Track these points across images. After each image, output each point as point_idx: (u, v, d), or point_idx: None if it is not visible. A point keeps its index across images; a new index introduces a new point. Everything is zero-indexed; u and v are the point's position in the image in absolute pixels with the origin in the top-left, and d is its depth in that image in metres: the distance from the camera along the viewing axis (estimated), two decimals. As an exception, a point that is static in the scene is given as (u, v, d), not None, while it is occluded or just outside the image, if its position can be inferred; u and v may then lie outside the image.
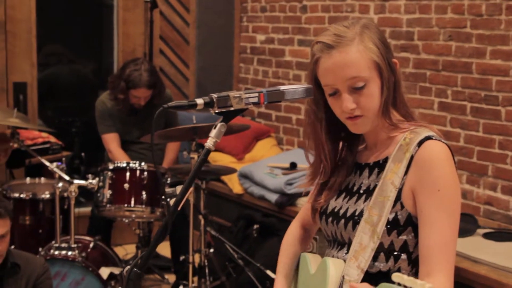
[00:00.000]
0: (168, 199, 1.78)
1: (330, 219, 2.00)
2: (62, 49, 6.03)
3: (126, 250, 5.40)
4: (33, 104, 5.47)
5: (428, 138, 1.87)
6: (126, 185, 4.10)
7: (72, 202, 3.96)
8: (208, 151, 1.77)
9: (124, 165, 4.16)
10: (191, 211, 4.13)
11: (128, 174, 4.13)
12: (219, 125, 1.78)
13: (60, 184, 3.99)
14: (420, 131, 1.90)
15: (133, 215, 4.21)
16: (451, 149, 1.88)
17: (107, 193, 4.10)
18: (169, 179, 4.24)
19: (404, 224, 1.87)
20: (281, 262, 2.19)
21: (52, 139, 5.14)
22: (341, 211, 1.97)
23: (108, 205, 4.10)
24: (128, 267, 1.76)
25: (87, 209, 5.12)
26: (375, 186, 1.91)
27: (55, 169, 4.01)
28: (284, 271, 2.17)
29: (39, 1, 5.41)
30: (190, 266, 4.15)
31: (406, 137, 1.90)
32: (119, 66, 5.33)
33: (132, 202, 4.10)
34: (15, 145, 4.38)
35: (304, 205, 2.22)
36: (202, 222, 4.30)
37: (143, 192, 4.09)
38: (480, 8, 4.15)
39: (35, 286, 3.41)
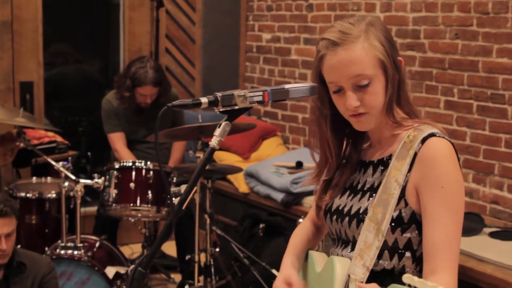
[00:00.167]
0: (173, 198, 1.78)
1: (335, 217, 2.00)
2: (68, 49, 6.03)
3: (132, 250, 5.40)
4: (40, 104, 5.48)
5: (432, 135, 1.87)
6: (132, 185, 4.10)
7: (78, 201, 3.96)
8: (213, 150, 1.77)
9: (130, 164, 4.16)
10: (197, 210, 4.13)
11: (134, 173, 4.13)
12: (223, 124, 1.78)
13: (66, 184, 4.00)
14: (423, 128, 1.90)
15: (139, 215, 4.21)
16: (454, 146, 1.88)
17: (113, 192, 4.10)
18: (175, 178, 4.24)
19: (408, 222, 1.87)
20: (292, 244, 2.16)
21: (59, 138, 5.15)
22: (345, 209, 1.97)
23: (114, 205, 4.10)
24: (133, 266, 1.76)
25: (93, 209, 5.12)
26: (379, 183, 1.91)
27: (61, 169, 4.01)
28: (295, 251, 2.14)
29: (46, 0, 5.42)
30: (196, 265, 4.15)
31: (410, 135, 1.90)
32: (125, 65, 5.33)
33: (138, 201, 4.10)
34: (22, 145, 4.39)
35: (312, 204, 2.21)
36: (208, 221, 4.30)
37: (149, 192, 4.09)
38: (486, 6, 4.14)
39: (41, 285, 3.42)
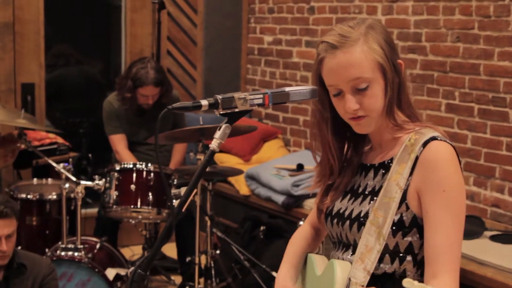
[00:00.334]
0: (174, 200, 1.78)
1: (335, 220, 2.00)
2: (70, 50, 6.04)
3: (133, 251, 5.40)
4: (41, 105, 5.48)
5: (433, 138, 1.86)
6: (133, 186, 4.10)
7: (79, 203, 3.96)
8: (213, 153, 1.77)
9: (131, 166, 4.16)
10: (197, 212, 4.13)
11: (134, 175, 4.13)
12: (223, 126, 1.77)
13: (67, 185, 3.99)
14: (425, 132, 1.89)
15: (140, 216, 4.21)
16: (456, 150, 1.87)
17: (114, 194, 4.10)
18: (175, 180, 4.24)
19: (410, 226, 1.87)
20: (289, 253, 2.15)
21: (60, 140, 5.15)
22: (346, 213, 1.97)
23: (114, 206, 4.10)
24: (133, 268, 1.76)
25: (93, 210, 5.12)
26: (380, 187, 1.91)
27: (62, 170, 4.01)
28: (292, 261, 2.13)
29: (47, 2, 5.43)
30: (196, 268, 4.15)
31: (411, 138, 1.89)
32: (126, 67, 5.33)
33: (139, 203, 4.10)
34: (23, 146, 4.39)
35: (313, 207, 2.21)
36: (209, 223, 4.30)
37: (150, 193, 4.09)
38: (488, 10, 4.14)
39: (41, 286, 3.42)
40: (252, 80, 6.14)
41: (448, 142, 1.87)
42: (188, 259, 4.30)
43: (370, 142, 2.03)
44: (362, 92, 1.87)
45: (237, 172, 4.49)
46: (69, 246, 3.98)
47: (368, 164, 2.00)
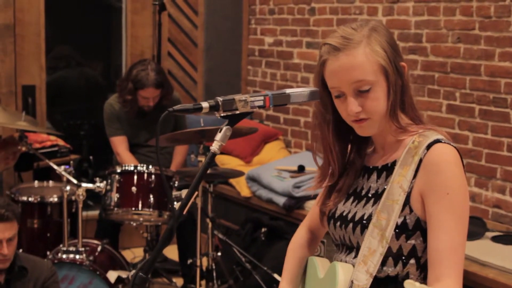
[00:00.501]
0: (175, 203, 1.78)
1: (338, 223, 1.99)
2: (70, 52, 6.04)
3: (134, 254, 5.40)
4: (42, 107, 5.48)
5: (437, 141, 1.86)
6: (134, 189, 4.09)
7: (80, 205, 3.96)
8: (214, 155, 1.76)
9: (132, 168, 4.15)
10: (198, 214, 4.13)
11: (135, 177, 4.13)
12: (224, 128, 1.77)
13: (68, 188, 3.99)
14: (428, 134, 1.89)
15: (141, 219, 4.21)
16: (459, 152, 1.87)
17: (115, 196, 4.09)
18: (176, 182, 4.24)
19: (413, 228, 1.86)
20: (287, 269, 2.17)
21: (61, 142, 5.15)
22: (349, 215, 1.96)
23: (115, 209, 4.10)
24: (134, 271, 1.75)
25: (95, 213, 5.12)
26: (384, 189, 1.90)
27: (63, 173, 4.01)
28: (290, 276, 2.16)
29: (48, 4, 5.43)
30: (198, 270, 4.14)
31: (415, 141, 1.89)
32: (127, 69, 5.33)
33: (140, 205, 4.09)
34: (23, 149, 4.38)
35: (311, 208, 2.21)
36: (210, 225, 4.30)
37: (151, 196, 4.09)
38: (488, 10, 4.13)
39: (43, 289, 3.42)
40: (252, 81, 6.14)
41: (451, 145, 1.86)
42: (189, 261, 4.30)
43: (373, 144, 2.03)
44: (364, 94, 1.86)
45: (238, 173, 4.49)
46: (70, 248, 3.97)
47: (371, 167, 1.99)
